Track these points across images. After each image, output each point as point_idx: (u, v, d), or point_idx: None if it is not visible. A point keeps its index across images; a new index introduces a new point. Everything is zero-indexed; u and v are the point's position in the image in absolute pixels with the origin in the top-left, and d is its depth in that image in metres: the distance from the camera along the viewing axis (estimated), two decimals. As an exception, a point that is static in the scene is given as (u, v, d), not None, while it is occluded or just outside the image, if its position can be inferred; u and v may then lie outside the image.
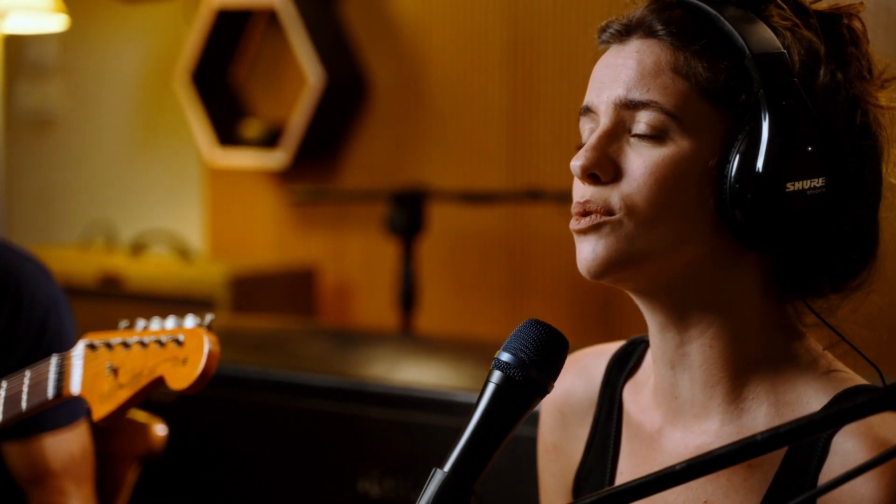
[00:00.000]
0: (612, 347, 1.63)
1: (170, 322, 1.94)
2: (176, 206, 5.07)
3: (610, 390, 1.59)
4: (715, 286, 1.44)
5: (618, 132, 1.42)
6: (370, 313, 4.61)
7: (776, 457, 1.42)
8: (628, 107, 1.41)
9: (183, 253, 4.71)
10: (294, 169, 4.65)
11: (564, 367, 1.60)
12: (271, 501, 2.91)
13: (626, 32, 1.45)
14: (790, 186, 1.38)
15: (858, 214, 1.46)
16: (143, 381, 1.91)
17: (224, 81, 4.83)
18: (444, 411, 2.71)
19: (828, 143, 1.42)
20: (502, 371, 1.29)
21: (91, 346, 1.99)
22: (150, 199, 5.13)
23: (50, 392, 2.01)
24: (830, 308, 1.48)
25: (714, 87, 1.40)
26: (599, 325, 4.26)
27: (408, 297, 3.74)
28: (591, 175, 1.41)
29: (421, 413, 2.74)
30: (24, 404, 2.03)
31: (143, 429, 2.42)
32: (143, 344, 1.93)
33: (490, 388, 1.30)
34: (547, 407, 1.65)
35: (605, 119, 1.42)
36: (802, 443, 1.40)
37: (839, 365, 1.47)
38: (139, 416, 2.41)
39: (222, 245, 4.93)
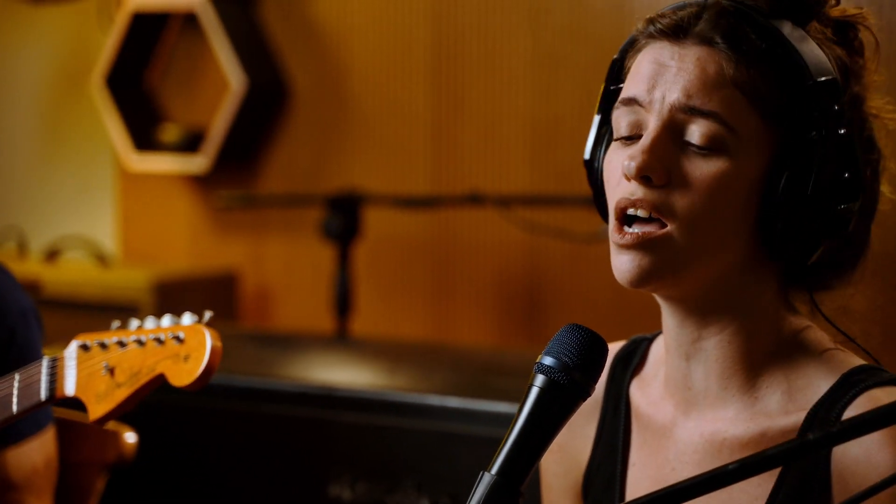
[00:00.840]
0: (614, 347, 1.67)
1: (166, 320, 1.94)
2: (88, 211, 5.01)
3: (615, 387, 1.63)
4: (739, 289, 1.49)
5: (670, 136, 1.43)
6: (292, 317, 4.60)
7: (790, 437, 1.47)
8: (686, 112, 1.43)
9: (100, 258, 4.66)
10: (214, 174, 4.63)
11: None
12: None
13: (682, 32, 1.46)
14: (840, 207, 1.44)
15: (866, 219, 1.52)
16: (143, 380, 1.91)
17: (140, 85, 4.79)
18: (416, 414, 2.74)
19: (863, 165, 1.46)
20: (546, 375, 1.32)
21: (84, 347, 1.98)
22: (62, 205, 5.06)
23: (43, 394, 1.99)
24: (835, 301, 1.55)
25: (773, 106, 1.43)
26: (524, 328, 4.31)
27: (343, 302, 3.74)
28: (643, 177, 1.43)
29: (392, 417, 2.76)
30: (14, 407, 2.01)
31: (112, 436, 2.40)
32: (140, 343, 1.93)
33: (534, 391, 1.32)
34: None
35: (657, 120, 1.44)
36: (817, 421, 1.45)
37: (840, 346, 1.53)
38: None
39: (137, 250, 4.89)
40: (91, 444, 2.43)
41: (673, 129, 1.43)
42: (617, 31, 4.07)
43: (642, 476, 1.58)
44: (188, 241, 4.80)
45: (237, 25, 4.52)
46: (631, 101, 1.47)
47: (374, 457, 2.78)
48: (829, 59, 1.46)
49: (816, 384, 1.49)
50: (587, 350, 1.32)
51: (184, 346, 1.88)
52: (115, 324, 1.98)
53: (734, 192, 1.43)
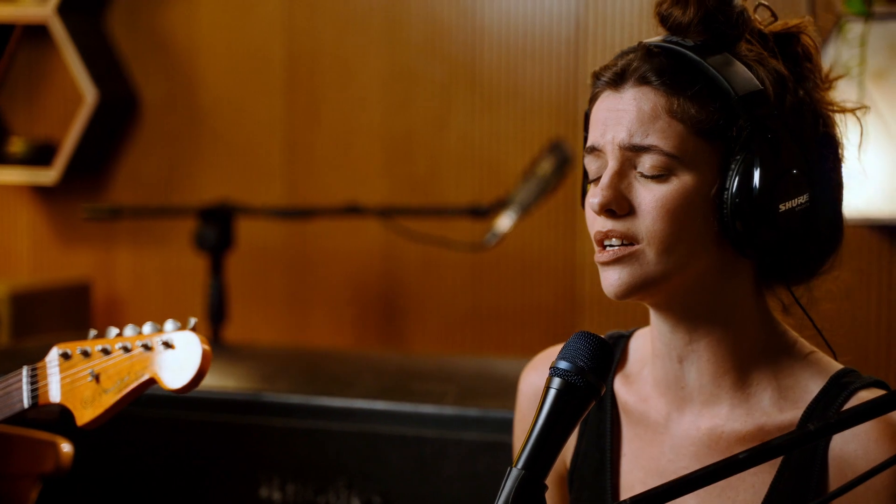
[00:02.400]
0: None
1: (147, 327, 2.02)
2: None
3: None
4: (719, 291, 1.66)
5: (625, 170, 1.62)
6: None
7: (788, 431, 1.64)
8: (632, 150, 1.61)
9: (-54, 272, 4.62)
10: (62, 185, 4.63)
11: (544, 362, 1.86)
12: None
13: (620, 80, 1.64)
14: (782, 207, 1.61)
15: (829, 211, 1.69)
16: (131, 384, 1.99)
17: (-17, 97, 4.75)
18: (342, 418, 2.84)
19: (807, 162, 1.64)
20: (562, 378, 1.47)
21: (65, 355, 2.05)
22: None
23: (26, 401, 2.05)
24: (803, 297, 1.73)
25: (707, 126, 1.61)
26: (381, 334, 4.44)
27: (217, 310, 3.81)
28: (608, 210, 1.61)
29: (320, 420, 2.86)
30: None
31: (49, 447, 2.42)
32: (126, 349, 2.01)
33: (552, 393, 1.47)
34: (529, 399, 1.85)
35: (612, 161, 1.63)
36: (813, 417, 1.64)
37: (815, 349, 1.72)
38: (41, 433, 2.43)
39: (-20, 263, 4.85)
40: (26, 455, 2.45)
41: (627, 164, 1.62)
42: (469, 48, 4.26)
43: (635, 466, 1.75)
44: (37, 253, 4.79)
45: (86, 37, 4.53)
46: (592, 149, 1.66)
47: (303, 459, 2.86)
48: (759, 74, 1.63)
49: (805, 385, 1.67)
50: (598, 354, 1.48)
51: (174, 352, 1.97)
52: (92, 332, 2.06)
53: (689, 206, 1.61)
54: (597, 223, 1.63)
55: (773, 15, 1.72)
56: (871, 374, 1.70)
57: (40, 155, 4.60)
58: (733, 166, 1.60)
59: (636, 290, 1.62)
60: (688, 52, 1.62)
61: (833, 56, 3.53)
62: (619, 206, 1.61)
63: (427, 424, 2.76)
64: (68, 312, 4.51)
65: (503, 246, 4.06)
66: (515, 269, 4.26)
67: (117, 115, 4.59)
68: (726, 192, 1.60)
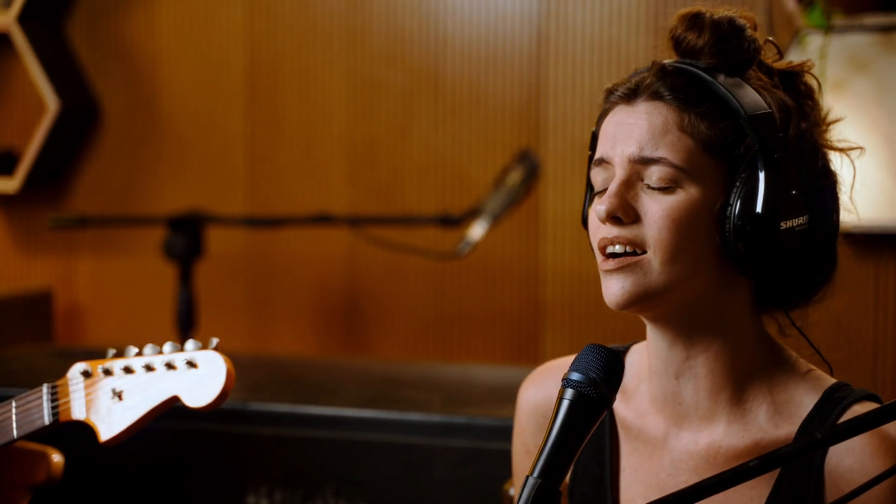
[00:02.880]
0: None
1: (168, 347, 2.07)
2: None
3: None
4: (717, 308, 1.72)
5: (633, 181, 1.68)
6: (108, 335, 4.66)
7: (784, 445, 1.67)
8: (641, 162, 1.68)
9: None
10: (23, 194, 4.64)
11: (543, 376, 1.92)
12: None
13: (633, 95, 1.71)
14: (783, 224, 1.66)
15: (825, 243, 1.76)
16: (155, 402, 2.04)
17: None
18: (329, 426, 2.89)
19: (807, 186, 1.70)
20: (574, 389, 1.53)
21: (86, 373, 2.08)
22: None
23: (46, 418, 2.09)
24: (796, 320, 1.79)
25: (715, 142, 1.67)
26: (344, 341, 4.50)
27: (186, 318, 3.85)
28: (614, 217, 1.68)
29: (308, 429, 2.91)
30: (14, 432, 2.10)
31: (41, 457, 2.44)
32: (149, 368, 2.05)
33: (565, 403, 1.53)
34: (528, 414, 1.90)
35: (620, 171, 1.69)
36: (809, 431, 1.69)
37: (811, 366, 1.79)
38: (32, 444, 2.45)
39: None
40: (18, 467, 2.44)
41: (634, 175, 1.68)
42: (432, 57, 4.32)
43: (634, 480, 1.80)
44: (-4, 262, 4.79)
45: (48, 46, 4.54)
46: (601, 161, 1.72)
47: (291, 467, 2.91)
48: (766, 99, 1.70)
49: (799, 400, 1.73)
50: (609, 366, 1.55)
51: (197, 371, 2.01)
52: (111, 352, 2.10)
53: (694, 218, 1.66)
54: (601, 230, 1.69)
55: (780, 53, 1.79)
56: (862, 386, 1.76)
57: (2, 164, 4.61)
58: (738, 183, 1.66)
59: (638, 300, 1.68)
60: (700, 71, 1.69)
61: (794, 68, 3.63)
62: (626, 213, 1.67)
63: (414, 432, 2.83)
64: (30, 321, 4.52)
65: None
66: (479, 277, 4.33)
67: (79, 124, 4.61)
68: (730, 208, 1.66)
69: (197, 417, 2.95)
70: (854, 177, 1.78)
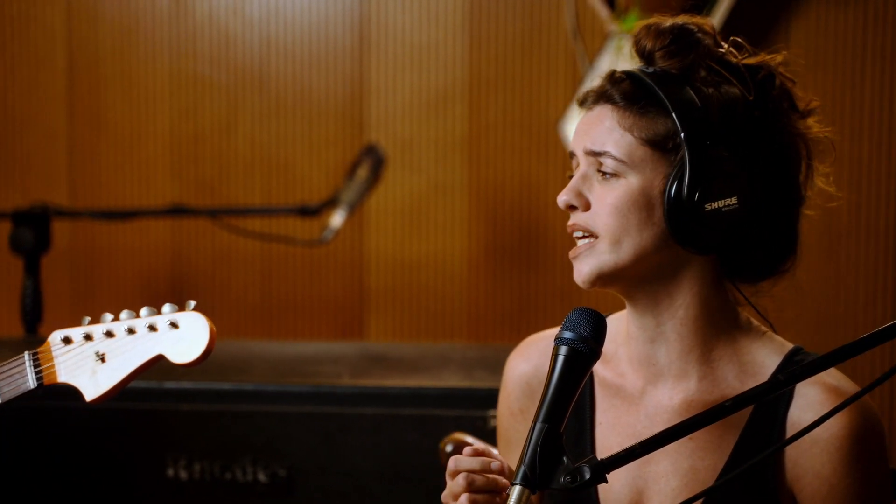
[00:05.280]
0: None
1: (144, 311, 2.23)
2: None
3: None
4: (677, 281, 1.96)
5: (589, 174, 1.96)
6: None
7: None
8: (593, 154, 1.95)
9: None
10: None
11: (528, 348, 2.15)
12: (91, 498, 3.11)
13: (594, 100, 1.98)
14: (708, 206, 1.88)
15: (777, 221, 1.97)
16: (139, 361, 2.18)
17: None
18: (246, 400, 3.07)
19: (740, 171, 1.90)
20: (567, 346, 1.77)
21: (66, 339, 2.21)
22: None
23: (31, 382, 2.20)
24: (758, 290, 2.01)
25: (653, 137, 1.91)
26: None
27: (33, 310, 3.92)
28: (571, 206, 1.95)
29: (226, 403, 3.08)
30: None
31: None
32: (131, 330, 2.20)
33: (560, 359, 1.77)
34: (514, 380, 2.14)
35: (580, 163, 1.97)
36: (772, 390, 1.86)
37: (769, 330, 2.02)
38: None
39: None
40: None
41: (591, 168, 1.95)
42: (257, 58, 4.52)
43: (611, 433, 2.03)
44: None
45: None
46: (571, 155, 2.00)
47: (209, 441, 3.08)
48: (707, 95, 1.90)
49: (762, 361, 1.97)
50: (596, 325, 1.80)
51: (179, 331, 2.17)
52: (86, 319, 2.23)
53: (636, 204, 1.91)
54: (570, 216, 1.96)
55: (748, 49, 2.00)
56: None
57: None
58: (672, 171, 1.89)
59: (597, 279, 1.93)
60: (643, 76, 1.93)
61: (608, 69, 3.99)
62: (579, 202, 1.94)
63: (328, 402, 3.03)
64: None
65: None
66: (305, 264, 4.55)
67: None
68: (664, 194, 1.90)
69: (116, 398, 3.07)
70: (833, 159, 2.00)
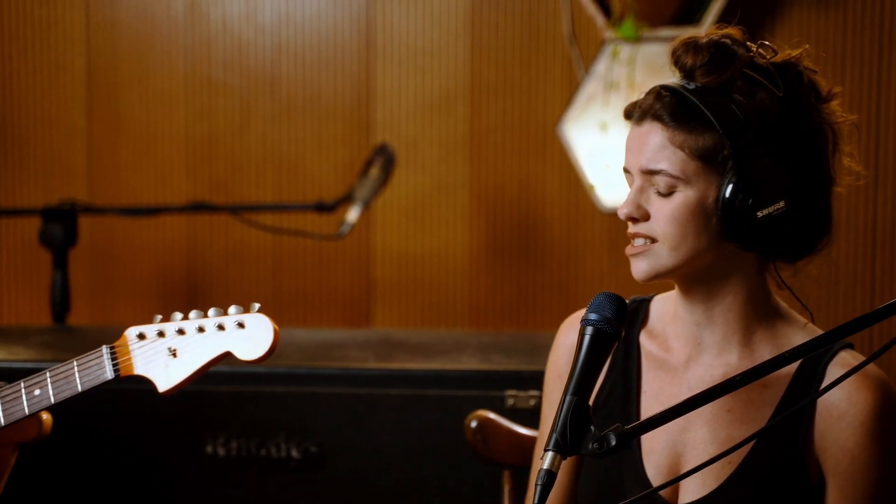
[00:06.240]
0: None
1: (212, 311, 2.42)
2: None
3: (626, 335, 2.18)
4: (728, 274, 2.09)
5: (645, 187, 2.06)
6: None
7: (785, 379, 2.07)
8: (649, 172, 2.05)
9: None
10: None
11: (574, 323, 2.29)
12: (138, 473, 3.29)
13: (642, 115, 2.06)
14: (760, 213, 2.01)
15: (813, 206, 2.07)
16: (208, 357, 2.38)
17: None
18: (282, 382, 3.25)
19: (783, 173, 2.01)
20: (593, 326, 1.89)
21: (141, 336, 2.42)
22: None
23: (109, 373, 2.39)
24: (797, 270, 2.12)
25: (702, 152, 2.02)
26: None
27: (62, 302, 4.11)
28: (631, 217, 2.10)
29: (261, 385, 3.26)
30: (79, 386, 2.40)
31: (32, 417, 2.51)
32: (201, 329, 2.41)
33: (587, 339, 1.88)
34: (564, 348, 2.30)
35: (637, 179, 2.07)
36: (806, 369, 2.06)
37: (808, 322, 2.14)
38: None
39: None
40: (11, 426, 2.50)
41: (646, 182, 2.06)
42: (269, 62, 4.69)
43: (654, 403, 2.16)
44: None
45: None
46: (625, 170, 2.12)
47: (246, 419, 3.25)
48: (745, 105, 2.00)
49: (797, 344, 1.96)
50: (619, 307, 1.95)
51: (245, 331, 2.36)
52: (158, 317, 2.43)
53: (693, 213, 2.03)
54: (628, 225, 2.12)
55: (774, 51, 2.08)
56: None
57: None
58: (723, 182, 2.01)
59: (654, 277, 2.07)
60: (687, 93, 2.03)
61: (604, 74, 4.20)
62: (639, 215, 2.06)
63: (357, 383, 3.22)
64: None
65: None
66: (315, 258, 4.72)
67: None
68: (718, 203, 2.01)
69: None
70: (857, 142, 2.12)
